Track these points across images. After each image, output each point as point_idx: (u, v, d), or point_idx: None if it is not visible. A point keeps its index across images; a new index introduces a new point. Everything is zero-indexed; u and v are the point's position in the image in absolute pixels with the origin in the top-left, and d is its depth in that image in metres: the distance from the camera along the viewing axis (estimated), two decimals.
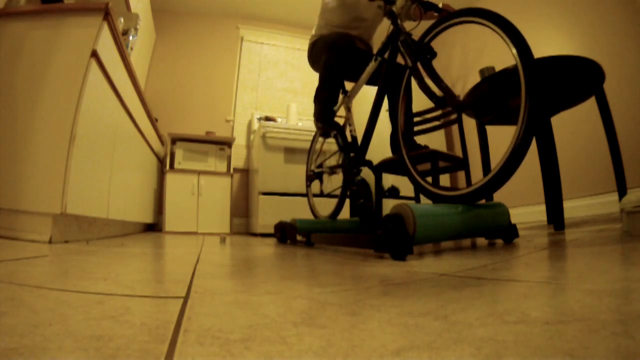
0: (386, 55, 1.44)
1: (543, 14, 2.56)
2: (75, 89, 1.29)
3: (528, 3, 2.68)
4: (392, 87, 1.53)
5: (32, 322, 0.31)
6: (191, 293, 0.46)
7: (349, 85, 1.77)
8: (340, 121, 1.84)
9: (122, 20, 2.23)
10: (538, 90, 0.87)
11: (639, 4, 1.93)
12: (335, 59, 1.58)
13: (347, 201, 2.75)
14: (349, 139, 1.70)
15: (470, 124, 2.45)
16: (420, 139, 2.39)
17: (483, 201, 1.60)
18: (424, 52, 1.20)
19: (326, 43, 1.63)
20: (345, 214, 2.83)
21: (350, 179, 1.68)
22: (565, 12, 2.40)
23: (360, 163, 1.59)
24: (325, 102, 1.64)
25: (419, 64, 1.22)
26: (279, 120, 3.48)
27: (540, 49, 2.22)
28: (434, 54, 1.20)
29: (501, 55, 2.01)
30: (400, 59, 1.37)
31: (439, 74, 1.15)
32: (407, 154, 1.29)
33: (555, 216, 1.37)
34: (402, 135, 1.34)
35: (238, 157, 3.65)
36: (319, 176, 2.03)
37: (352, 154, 1.63)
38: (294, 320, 0.33)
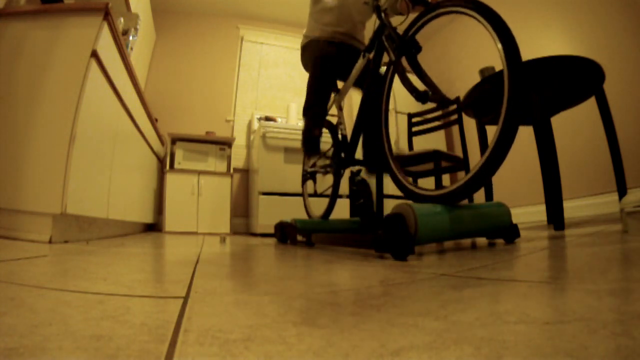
0: (372, 53, 1.42)
1: (543, 13, 2.56)
2: (75, 89, 1.29)
3: (528, 3, 2.69)
4: (367, 85, 1.51)
5: (32, 322, 0.31)
6: (191, 293, 0.46)
7: (340, 84, 1.77)
8: (333, 120, 1.84)
9: (122, 20, 2.24)
10: (521, 88, 0.83)
11: (639, 3, 1.93)
12: (321, 72, 1.61)
13: (347, 201, 2.75)
14: (340, 138, 1.70)
15: (470, 124, 2.45)
16: (421, 139, 2.39)
17: (484, 201, 1.60)
18: (408, 46, 1.17)
19: (313, 53, 1.66)
20: (345, 213, 2.83)
21: (339, 179, 1.69)
22: (565, 12, 2.40)
23: (349, 162, 1.58)
24: (313, 119, 1.67)
25: (403, 59, 1.20)
26: (279, 120, 3.48)
27: (541, 49, 2.22)
28: (418, 48, 1.16)
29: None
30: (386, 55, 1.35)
31: (423, 69, 1.12)
32: (389, 152, 1.28)
33: (555, 216, 1.37)
34: (385, 135, 1.32)
35: (238, 157, 3.65)
36: (312, 176, 2.03)
37: (342, 154, 1.63)
38: (294, 320, 0.33)
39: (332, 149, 1.76)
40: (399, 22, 1.32)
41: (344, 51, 1.71)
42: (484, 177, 0.88)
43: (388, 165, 1.25)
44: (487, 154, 0.86)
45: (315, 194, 2.04)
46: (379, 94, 1.39)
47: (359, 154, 1.62)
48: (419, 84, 1.13)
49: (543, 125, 1.55)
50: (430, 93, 1.06)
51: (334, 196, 1.80)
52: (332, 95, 1.78)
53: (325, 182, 2.23)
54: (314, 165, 2.03)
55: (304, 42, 1.79)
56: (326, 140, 1.90)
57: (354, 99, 3.90)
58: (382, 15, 1.32)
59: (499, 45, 0.88)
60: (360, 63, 1.53)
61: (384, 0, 1.35)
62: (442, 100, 1.07)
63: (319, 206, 2.16)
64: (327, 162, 1.82)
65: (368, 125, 1.53)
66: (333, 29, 1.69)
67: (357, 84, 1.65)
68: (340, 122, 1.74)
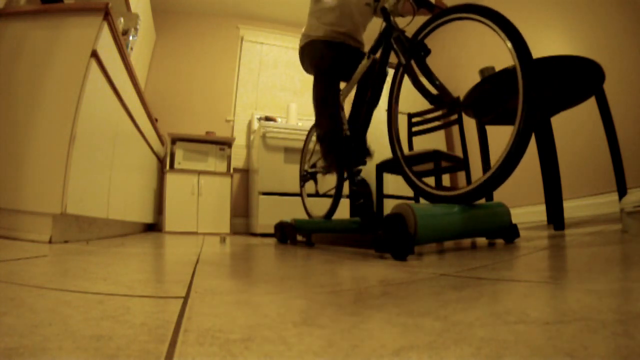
0: (378, 54, 1.43)
1: (543, 14, 2.56)
2: (75, 89, 1.29)
3: (528, 3, 2.69)
4: (372, 85, 1.50)
5: (32, 322, 0.31)
6: (191, 293, 0.46)
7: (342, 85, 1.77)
8: None
9: (122, 20, 2.24)
10: (535, 89, 0.86)
11: (639, 4, 1.93)
12: (326, 78, 1.58)
13: (347, 201, 2.75)
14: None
15: (470, 124, 2.45)
16: (421, 139, 2.39)
17: (483, 201, 1.60)
18: (417, 50, 1.18)
19: (314, 59, 1.65)
20: (345, 214, 2.83)
21: (343, 178, 1.68)
22: (565, 12, 2.40)
23: (354, 162, 1.58)
24: (335, 122, 1.55)
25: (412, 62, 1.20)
26: (279, 120, 3.48)
27: (541, 49, 2.22)
28: (427, 51, 1.17)
29: (502, 55, 2.01)
30: (393, 57, 1.36)
31: (433, 72, 1.14)
32: (401, 154, 1.28)
33: (555, 216, 1.37)
34: (395, 138, 1.32)
35: (238, 157, 3.65)
36: (313, 176, 2.02)
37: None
38: (294, 320, 0.33)
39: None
40: (404, 25, 1.32)
41: (344, 51, 1.71)
42: (501, 178, 0.89)
43: (401, 168, 1.25)
44: (504, 154, 0.87)
45: (317, 194, 2.03)
46: (377, 94, 1.39)
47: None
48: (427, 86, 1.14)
49: (543, 125, 1.55)
50: (443, 97, 1.06)
51: (338, 196, 1.80)
52: None
53: (325, 182, 2.23)
54: (314, 165, 2.03)
55: (303, 43, 1.79)
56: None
57: None
58: (391, 17, 1.32)
59: (512, 49, 0.89)
60: (364, 64, 1.53)
61: (390, 2, 1.35)
62: (453, 103, 1.07)
63: (318, 207, 2.16)
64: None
65: (367, 121, 1.53)
66: (334, 29, 1.69)
67: (360, 84, 1.65)
68: (343, 122, 1.74)
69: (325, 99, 1.60)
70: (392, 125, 1.34)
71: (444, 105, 1.09)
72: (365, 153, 1.59)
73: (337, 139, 1.56)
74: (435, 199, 1.08)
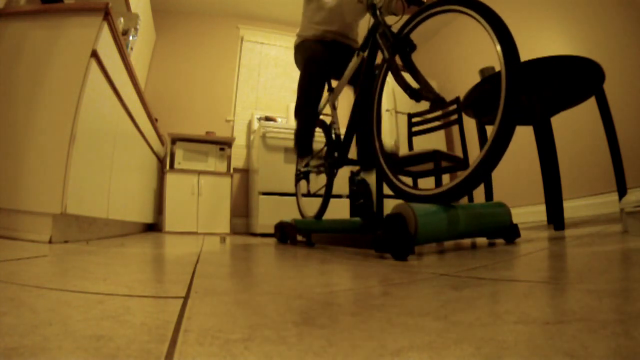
0: (366, 51, 1.41)
1: (543, 13, 2.56)
2: (75, 89, 1.29)
3: (528, 3, 2.69)
4: (361, 83, 1.50)
5: (32, 322, 0.31)
6: (191, 293, 0.46)
7: (335, 83, 1.77)
8: (327, 119, 1.83)
9: (122, 20, 2.23)
10: (518, 95, 0.84)
11: (639, 4, 1.93)
12: (310, 73, 1.64)
13: (347, 201, 2.74)
14: (334, 137, 1.70)
15: (470, 124, 2.45)
16: (421, 139, 2.39)
17: (483, 201, 1.60)
18: (402, 45, 1.16)
19: (304, 54, 1.68)
20: (345, 213, 2.83)
21: (332, 178, 1.69)
22: (565, 12, 2.40)
23: (342, 162, 1.58)
24: (304, 120, 1.70)
25: (398, 58, 1.19)
26: (279, 120, 3.48)
27: (541, 48, 2.22)
28: (413, 47, 1.15)
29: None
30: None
31: (417, 68, 1.11)
32: (381, 152, 1.26)
33: (555, 216, 1.37)
34: (376, 134, 1.31)
35: (238, 157, 3.65)
36: (306, 176, 2.02)
37: (335, 153, 1.63)
38: (294, 320, 0.33)
39: (325, 149, 1.75)
40: (394, 22, 1.31)
41: (337, 50, 1.71)
42: (478, 178, 0.87)
43: (379, 165, 1.23)
44: (482, 154, 0.86)
45: (308, 194, 2.03)
46: (371, 92, 1.38)
47: (353, 154, 1.62)
48: (414, 83, 1.12)
49: (543, 125, 1.55)
50: (423, 92, 1.05)
51: (327, 196, 1.79)
52: (326, 94, 1.77)
53: (319, 181, 2.23)
54: (307, 165, 2.02)
55: (297, 42, 1.79)
56: (321, 140, 1.89)
57: (351, 98, 3.90)
58: (377, 13, 1.31)
59: (497, 45, 0.87)
60: (354, 62, 1.53)
61: None
62: (435, 99, 1.06)
63: (315, 206, 2.15)
64: (321, 161, 1.81)
65: (363, 123, 1.53)
66: (325, 28, 1.69)
67: (352, 83, 1.65)
68: (334, 121, 1.74)
69: (306, 94, 1.65)
70: (373, 121, 1.32)
71: (424, 100, 1.06)
72: (367, 157, 1.60)
73: (304, 134, 1.69)
74: (412, 198, 1.05)
